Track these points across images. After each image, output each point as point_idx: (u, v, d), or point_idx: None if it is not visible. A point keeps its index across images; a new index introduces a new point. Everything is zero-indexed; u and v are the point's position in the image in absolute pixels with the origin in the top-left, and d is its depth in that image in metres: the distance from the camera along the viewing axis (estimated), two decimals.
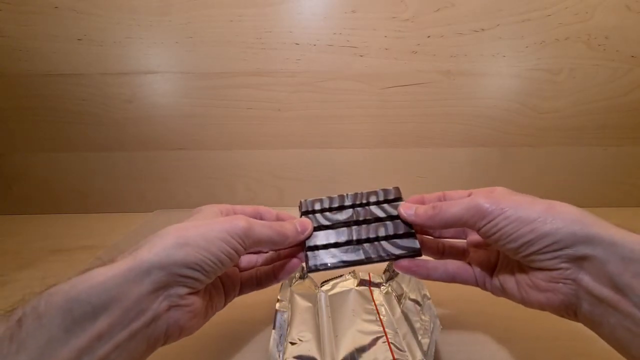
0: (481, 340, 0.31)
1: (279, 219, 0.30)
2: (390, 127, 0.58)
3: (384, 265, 0.37)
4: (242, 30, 0.52)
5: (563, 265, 0.22)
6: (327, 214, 0.30)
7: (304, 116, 0.57)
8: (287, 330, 0.30)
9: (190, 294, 0.22)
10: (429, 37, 0.52)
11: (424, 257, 0.28)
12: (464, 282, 0.28)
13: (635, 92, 0.54)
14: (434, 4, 0.51)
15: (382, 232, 0.28)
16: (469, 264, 0.29)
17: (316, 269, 0.27)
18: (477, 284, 0.28)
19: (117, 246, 0.49)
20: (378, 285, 0.36)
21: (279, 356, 0.27)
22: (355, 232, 0.29)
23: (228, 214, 0.27)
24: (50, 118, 0.56)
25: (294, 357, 0.28)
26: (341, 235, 0.29)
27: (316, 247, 0.28)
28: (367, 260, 0.28)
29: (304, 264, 0.29)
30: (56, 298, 0.18)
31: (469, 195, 0.27)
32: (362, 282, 0.36)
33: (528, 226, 0.22)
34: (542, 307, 0.24)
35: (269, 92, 0.55)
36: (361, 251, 0.28)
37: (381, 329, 0.30)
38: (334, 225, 0.30)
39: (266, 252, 0.32)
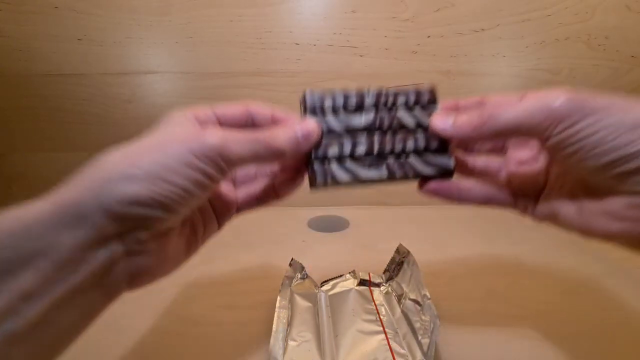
0: (482, 340, 0.31)
1: (274, 120, 0.23)
2: None
3: (384, 264, 0.37)
4: (242, 30, 0.52)
5: None
6: (342, 115, 0.23)
7: None
8: (287, 330, 0.30)
9: (154, 236, 0.18)
10: (429, 37, 0.52)
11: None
12: (500, 205, 0.24)
13: (635, 92, 0.54)
14: (434, 4, 0.51)
15: (410, 145, 0.23)
16: (507, 184, 0.24)
17: (324, 184, 0.22)
18: (515, 207, 0.24)
19: None
20: (378, 285, 0.36)
21: (279, 356, 0.27)
22: (377, 142, 0.23)
23: (207, 121, 0.21)
24: (50, 118, 0.56)
25: (294, 358, 0.28)
26: (360, 144, 0.23)
27: (326, 158, 0.23)
28: (390, 178, 0.23)
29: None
30: None
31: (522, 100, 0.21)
32: (362, 282, 0.36)
33: (630, 134, 0.16)
34: (610, 237, 0.19)
35: (269, 92, 0.55)
36: (384, 167, 0.23)
37: (381, 329, 0.30)
38: (350, 131, 0.23)
39: None
